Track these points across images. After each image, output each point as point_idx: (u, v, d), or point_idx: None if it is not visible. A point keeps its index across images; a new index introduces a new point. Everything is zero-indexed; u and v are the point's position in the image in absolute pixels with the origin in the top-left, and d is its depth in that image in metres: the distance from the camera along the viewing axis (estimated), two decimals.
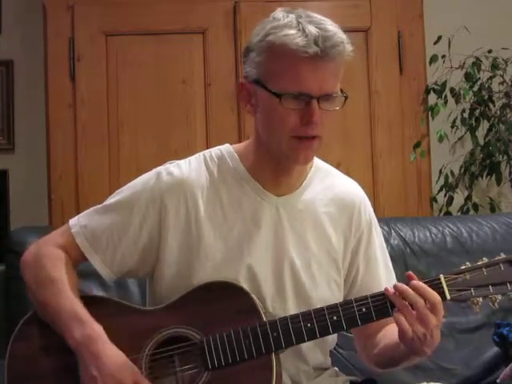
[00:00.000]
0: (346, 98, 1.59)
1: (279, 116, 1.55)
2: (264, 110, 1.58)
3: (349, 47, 1.55)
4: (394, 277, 1.78)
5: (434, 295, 1.51)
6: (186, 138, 3.28)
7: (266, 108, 1.58)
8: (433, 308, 1.50)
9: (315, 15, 1.56)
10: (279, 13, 1.58)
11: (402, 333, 1.51)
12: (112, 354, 1.53)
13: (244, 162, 1.68)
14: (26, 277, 1.67)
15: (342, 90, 1.59)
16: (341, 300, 1.69)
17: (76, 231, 1.67)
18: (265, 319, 1.56)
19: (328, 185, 1.73)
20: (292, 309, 1.64)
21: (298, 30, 1.52)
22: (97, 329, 1.55)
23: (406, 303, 1.51)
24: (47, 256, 1.65)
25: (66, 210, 3.17)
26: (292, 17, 1.55)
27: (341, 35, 1.54)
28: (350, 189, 1.76)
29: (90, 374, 1.51)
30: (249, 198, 1.66)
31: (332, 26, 1.54)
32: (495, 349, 2.28)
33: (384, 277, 1.75)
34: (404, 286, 1.52)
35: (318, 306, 1.62)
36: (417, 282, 1.52)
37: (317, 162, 1.74)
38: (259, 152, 1.65)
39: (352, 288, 1.73)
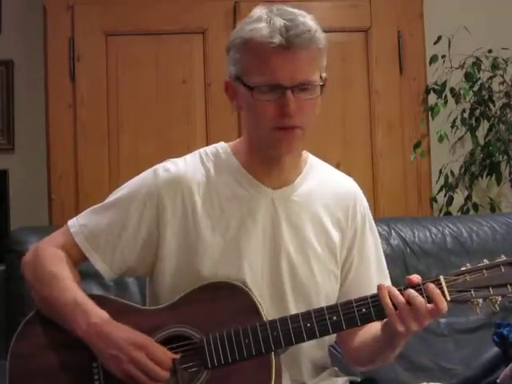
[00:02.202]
0: (323, 85, 1.59)
1: (256, 109, 1.57)
2: (245, 105, 1.62)
3: (319, 35, 1.56)
4: (387, 275, 1.78)
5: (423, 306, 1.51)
6: (186, 138, 3.28)
7: (245, 103, 1.61)
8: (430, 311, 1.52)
9: (289, 8, 1.58)
10: (256, 9, 1.62)
11: (392, 327, 1.52)
12: (121, 330, 1.55)
13: (238, 157, 1.69)
14: (27, 276, 1.68)
15: (321, 77, 1.59)
16: (337, 293, 1.71)
17: (75, 231, 1.68)
18: (265, 319, 1.56)
19: (323, 180, 1.74)
20: (290, 301, 1.65)
21: (266, 22, 1.55)
22: (101, 315, 1.57)
23: (404, 302, 1.51)
24: (47, 255, 1.66)
25: (66, 210, 3.17)
26: (264, 11, 1.58)
27: (309, 24, 1.55)
28: (345, 184, 1.78)
29: (110, 355, 1.53)
30: (244, 191, 1.67)
31: (301, 17, 1.56)
32: (495, 349, 2.28)
33: (375, 275, 1.75)
34: (399, 298, 1.52)
35: (315, 298, 1.65)
36: (413, 296, 1.52)
37: (311, 158, 1.76)
38: (250, 146, 1.67)
39: (343, 282, 1.74)
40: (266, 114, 1.56)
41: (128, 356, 1.51)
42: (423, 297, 1.52)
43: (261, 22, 1.56)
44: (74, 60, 3.25)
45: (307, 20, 1.56)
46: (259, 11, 1.59)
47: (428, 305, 1.51)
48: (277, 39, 1.52)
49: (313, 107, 1.59)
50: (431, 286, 1.52)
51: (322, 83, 1.59)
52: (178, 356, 1.55)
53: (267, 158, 1.65)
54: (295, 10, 1.57)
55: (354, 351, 1.73)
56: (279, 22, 1.53)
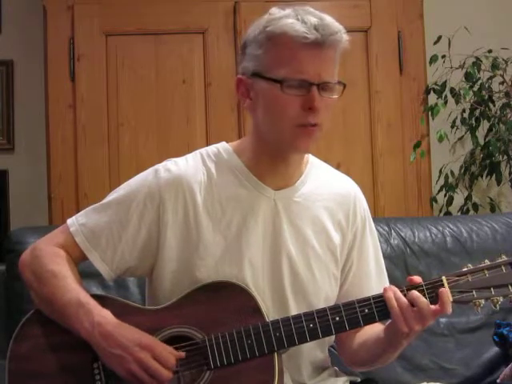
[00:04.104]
0: (345, 86, 1.60)
1: (281, 104, 1.56)
2: (264, 101, 1.60)
3: (345, 36, 1.58)
4: (386, 277, 1.78)
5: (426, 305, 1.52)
6: (186, 138, 3.28)
7: (266, 98, 1.59)
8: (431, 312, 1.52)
9: (311, 9, 1.59)
10: (274, 9, 1.61)
11: (396, 328, 1.52)
12: (125, 329, 1.54)
13: (241, 157, 1.69)
14: (27, 276, 1.66)
15: (339, 81, 1.61)
16: (336, 294, 1.72)
17: (74, 230, 1.67)
18: (267, 319, 1.56)
19: (324, 181, 1.74)
20: (290, 301, 1.65)
21: (297, 19, 1.55)
22: (105, 314, 1.57)
23: (407, 303, 1.52)
24: (47, 254, 1.65)
25: (65, 210, 3.17)
26: (289, 10, 1.59)
27: (337, 25, 1.57)
28: (346, 185, 1.78)
29: (114, 355, 1.52)
30: (246, 191, 1.66)
31: (328, 17, 1.57)
32: (495, 349, 2.28)
33: (374, 276, 1.75)
34: (403, 300, 1.53)
35: (315, 299, 1.65)
36: (416, 297, 1.53)
37: (312, 159, 1.76)
38: (257, 146, 1.66)
39: (343, 284, 1.74)
40: (291, 109, 1.56)
41: (133, 356, 1.51)
42: (426, 297, 1.52)
43: (290, 18, 1.56)
44: (74, 60, 3.25)
45: (335, 21, 1.57)
46: (282, 10, 1.59)
47: (431, 306, 1.52)
48: (312, 35, 1.53)
49: (332, 108, 1.60)
50: (443, 289, 1.53)
51: (342, 84, 1.60)
52: (183, 354, 1.55)
53: (274, 157, 1.65)
54: (318, 12, 1.58)
55: (353, 352, 1.73)
56: (312, 19, 1.54)
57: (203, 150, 1.72)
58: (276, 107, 1.57)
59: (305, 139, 1.58)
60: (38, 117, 3.50)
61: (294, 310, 1.64)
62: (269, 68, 1.57)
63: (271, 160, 1.65)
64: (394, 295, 1.53)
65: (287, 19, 1.56)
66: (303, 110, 1.55)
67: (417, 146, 3.32)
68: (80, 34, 3.26)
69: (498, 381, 2.19)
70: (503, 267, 1.55)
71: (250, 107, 1.64)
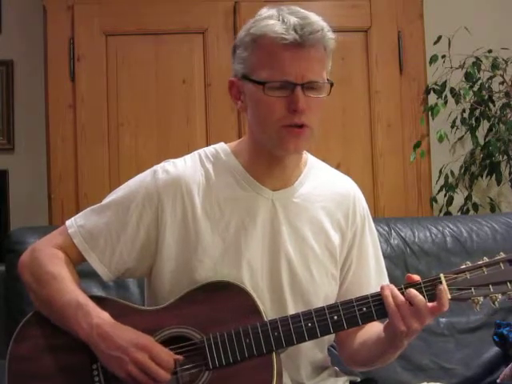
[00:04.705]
0: (332, 85, 1.60)
1: (265, 106, 1.57)
2: (252, 103, 1.61)
3: (330, 34, 1.58)
4: (386, 276, 1.78)
5: (422, 302, 1.52)
6: (186, 138, 3.28)
7: (253, 100, 1.60)
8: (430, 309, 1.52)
9: (298, 8, 1.59)
10: (263, 9, 1.62)
11: (394, 327, 1.52)
12: (123, 331, 1.55)
13: (239, 158, 1.69)
14: (26, 277, 1.67)
15: (328, 79, 1.60)
16: (336, 294, 1.71)
17: (73, 231, 1.67)
18: (265, 319, 1.57)
19: (323, 181, 1.74)
20: (289, 302, 1.65)
21: (278, 20, 1.56)
22: (103, 316, 1.57)
23: (405, 301, 1.52)
24: (46, 255, 1.65)
25: (65, 210, 3.17)
26: (273, 10, 1.59)
27: (321, 23, 1.56)
28: (345, 185, 1.78)
29: (112, 356, 1.53)
30: (244, 192, 1.66)
31: (312, 16, 1.57)
32: (495, 349, 2.28)
33: (374, 275, 1.75)
34: (400, 298, 1.53)
35: (314, 299, 1.65)
36: (413, 295, 1.52)
37: (311, 159, 1.76)
38: (253, 147, 1.66)
39: (342, 283, 1.74)
40: (276, 111, 1.56)
41: (130, 357, 1.51)
42: (424, 295, 1.52)
43: (272, 19, 1.56)
44: (74, 60, 3.25)
45: (319, 19, 1.57)
46: (268, 11, 1.60)
47: (429, 303, 1.52)
48: (290, 36, 1.53)
49: (320, 107, 1.60)
50: (441, 287, 1.53)
51: (329, 82, 1.59)
52: (181, 357, 1.55)
53: (270, 159, 1.65)
54: (304, 10, 1.58)
55: (354, 352, 1.73)
56: (292, 19, 1.54)
57: (201, 151, 1.72)
58: (261, 109, 1.58)
59: (293, 140, 1.58)
60: (38, 117, 3.50)
61: (292, 311, 1.63)
62: (253, 70, 1.58)
63: (268, 161, 1.65)
64: (391, 293, 1.53)
65: (269, 20, 1.56)
66: (288, 111, 1.55)
67: (417, 146, 3.32)
68: (80, 33, 3.26)
69: (498, 381, 2.19)
70: (502, 264, 1.55)
71: (241, 109, 1.65)
